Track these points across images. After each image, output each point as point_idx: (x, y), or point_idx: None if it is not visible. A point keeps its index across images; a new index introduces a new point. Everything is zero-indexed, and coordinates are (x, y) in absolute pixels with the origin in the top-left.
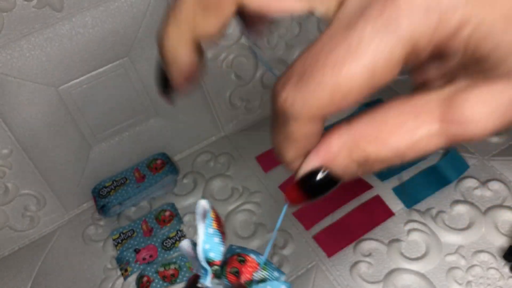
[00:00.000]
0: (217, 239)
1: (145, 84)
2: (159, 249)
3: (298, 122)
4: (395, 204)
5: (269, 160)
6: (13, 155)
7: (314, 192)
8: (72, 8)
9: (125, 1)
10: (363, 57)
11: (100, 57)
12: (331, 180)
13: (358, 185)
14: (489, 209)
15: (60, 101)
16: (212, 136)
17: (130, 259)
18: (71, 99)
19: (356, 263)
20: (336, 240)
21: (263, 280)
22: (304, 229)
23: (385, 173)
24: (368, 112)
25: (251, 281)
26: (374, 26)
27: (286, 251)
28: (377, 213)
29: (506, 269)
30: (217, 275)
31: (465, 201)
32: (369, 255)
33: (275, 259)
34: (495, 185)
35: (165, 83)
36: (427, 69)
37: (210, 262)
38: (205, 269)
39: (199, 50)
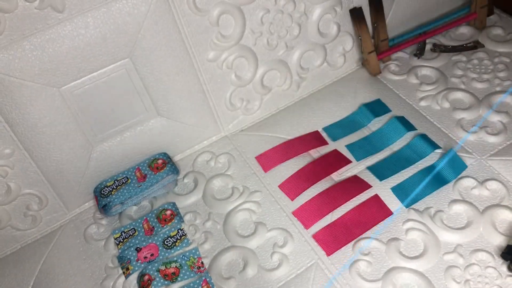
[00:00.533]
0: None
1: (146, 84)
2: (160, 248)
3: None
4: (394, 204)
5: (269, 160)
6: (15, 155)
7: None
8: (74, 9)
9: (126, 2)
10: None
11: (102, 58)
12: None
13: (357, 184)
14: (487, 208)
15: (62, 101)
16: (213, 136)
17: (132, 258)
18: (73, 100)
19: (355, 261)
20: (335, 239)
21: None
22: (304, 228)
23: (384, 173)
24: None
25: None
26: None
27: (285, 250)
28: (376, 212)
29: (504, 268)
30: None
31: (463, 201)
32: (368, 253)
33: (275, 258)
34: (493, 185)
35: None
36: None
37: None
38: None
39: None
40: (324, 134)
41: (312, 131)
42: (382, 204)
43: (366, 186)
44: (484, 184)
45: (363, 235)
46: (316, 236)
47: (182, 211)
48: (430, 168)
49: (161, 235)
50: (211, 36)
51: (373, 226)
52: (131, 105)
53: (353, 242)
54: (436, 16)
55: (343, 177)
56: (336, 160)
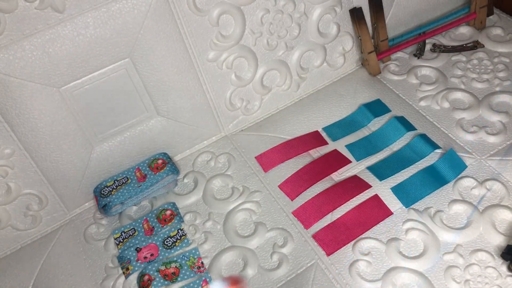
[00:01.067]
0: None
1: (146, 84)
2: (160, 248)
3: None
4: (394, 204)
5: (269, 160)
6: (15, 155)
7: None
8: (74, 10)
9: (126, 2)
10: None
11: (102, 58)
12: None
13: (357, 184)
14: (487, 208)
15: (62, 101)
16: (213, 136)
17: (131, 258)
18: (73, 100)
19: (355, 261)
20: (335, 239)
21: None
22: (304, 228)
23: (384, 173)
24: None
25: None
26: None
27: (285, 250)
28: (375, 212)
29: (504, 268)
30: None
31: (463, 201)
32: (368, 253)
33: (275, 258)
34: (492, 185)
35: None
36: None
37: None
38: None
39: None
40: (324, 134)
41: (312, 131)
42: (382, 204)
43: (366, 186)
44: (484, 184)
45: (363, 235)
46: (316, 236)
47: (182, 211)
48: (430, 168)
49: (161, 235)
50: (211, 36)
51: (373, 226)
52: (131, 105)
53: (353, 242)
54: (436, 16)
55: (343, 177)
56: (336, 160)
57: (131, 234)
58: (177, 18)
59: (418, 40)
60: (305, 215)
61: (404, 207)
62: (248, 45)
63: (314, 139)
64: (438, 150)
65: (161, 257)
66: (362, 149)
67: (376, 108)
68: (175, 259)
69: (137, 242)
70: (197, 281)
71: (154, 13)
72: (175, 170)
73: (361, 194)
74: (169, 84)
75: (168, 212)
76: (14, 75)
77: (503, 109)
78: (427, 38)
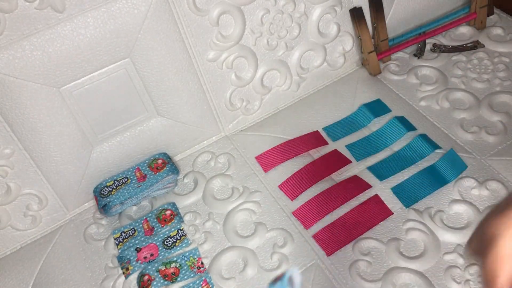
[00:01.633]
0: None
1: (146, 84)
2: (160, 248)
3: None
4: (394, 204)
5: (269, 160)
6: (15, 155)
7: None
8: (74, 9)
9: (126, 2)
10: None
11: (102, 58)
12: None
13: (357, 184)
14: (487, 208)
15: (62, 101)
16: (213, 136)
17: (131, 258)
18: (72, 100)
19: (355, 261)
20: (335, 239)
21: None
22: (304, 228)
23: (384, 173)
24: None
25: None
26: None
27: (285, 250)
28: (376, 212)
29: None
30: None
31: (463, 201)
32: (368, 254)
33: (275, 258)
34: (493, 185)
35: None
36: None
37: None
38: None
39: None
40: (324, 134)
41: (312, 131)
42: (382, 204)
43: (366, 186)
44: (484, 184)
45: (363, 235)
46: (316, 236)
47: (182, 211)
48: (430, 168)
49: (161, 235)
50: (211, 36)
51: (373, 226)
52: (131, 105)
53: (353, 242)
54: (436, 16)
55: (343, 177)
56: (336, 160)
57: (131, 234)
58: (177, 18)
59: (418, 40)
60: (305, 215)
61: (404, 207)
62: (248, 45)
63: (314, 139)
64: (438, 150)
65: (161, 257)
66: (362, 149)
67: (376, 108)
68: (175, 259)
69: (137, 242)
70: (197, 281)
71: (154, 13)
72: (175, 170)
73: (361, 194)
74: (169, 84)
75: (168, 212)
76: (14, 75)
77: (503, 109)
78: (427, 38)
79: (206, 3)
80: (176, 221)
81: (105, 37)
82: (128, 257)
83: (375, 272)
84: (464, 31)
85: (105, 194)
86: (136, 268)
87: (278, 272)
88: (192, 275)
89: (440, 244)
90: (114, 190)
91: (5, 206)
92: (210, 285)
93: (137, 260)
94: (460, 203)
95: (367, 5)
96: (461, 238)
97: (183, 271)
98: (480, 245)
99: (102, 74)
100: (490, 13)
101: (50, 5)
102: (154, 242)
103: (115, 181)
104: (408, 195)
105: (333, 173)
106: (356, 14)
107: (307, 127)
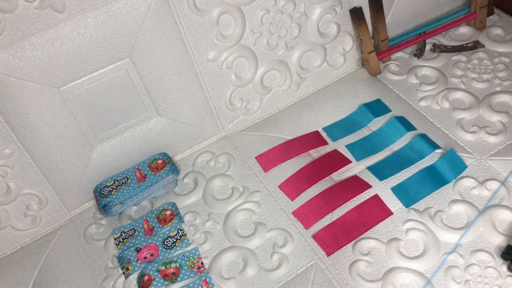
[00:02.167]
0: None
1: (146, 84)
2: (160, 248)
3: None
4: (394, 204)
5: (269, 160)
6: (15, 155)
7: None
8: (74, 10)
9: (126, 2)
10: None
11: (102, 58)
12: None
13: (357, 184)
14: (487, 208)
15: (62, 101)
16: (213, 136)
17: (131, 258)
18: (73, 100)
19: (355, 262)
20: (335, 239)
21: None
22: (304, 228)
23: (384, 173)
24: None
25: None
26: None
27: (285, 250)
28: (375, 213)
29: (504, 268)
30: None
31: (463, 201)
32: (368, 254)
33: (275, 258)
34: (493, 185)
35: None
36: None
37: None
38: None
39: None
40: (324, 134)
41: (312, 131)
42: (382, 204)
43: (366, 186)
44: (484, 184)
45: (363, 235)
46: (316, 236)
47: (182, 211)
48: (430, 168)
49: (161, 235)
50: (211, 36)
51: (373, 226)
52: (131, 105)
53: (353, 242)
54: (436, 16)
55: (343, 177)
56: (336, 160)
57: (131, 234)
58: (177, 18)
59: (418, 40)
60: (305, 215)
61: (404, 207)
62: (248, 45)
63: (314, 139)
64: (438, 150)
65: (161, 257)
66: (362, 149)
67: (376, 108)
68: (175, 259)
69: (137, 242)
70: (197, 281)
71: (154, 13)
72: (175, 170)
73: (361, 194)
74: (169, 84)
75: (168, 212)
76: (14, 75)
77: (503, 109)
78: (427, 38)
79: (206, 3)
80: (176, 221)
81: (105, 37)
82: (128, 257)
83: (375, 272)
84: (464, 31)
85: (105, 194)
86: (136, 268)
87: (278, 272)
88: (192, 275)
89: (440, 244)
90: (114, 190)
91: (5, 206)
92: (210, 285)
93: (137, 260)
94: (460, 203)
95: (367, 5)
96: (461, 238)
97: (183, 271)
98: None
99: (102, 74)
100: (490, 13)
101: (50, 5)
102: (154, 242)
103: (115, 181)
104: (408, 195)
105: (333, 173)
106: (356, 14)
107: (307, 127)
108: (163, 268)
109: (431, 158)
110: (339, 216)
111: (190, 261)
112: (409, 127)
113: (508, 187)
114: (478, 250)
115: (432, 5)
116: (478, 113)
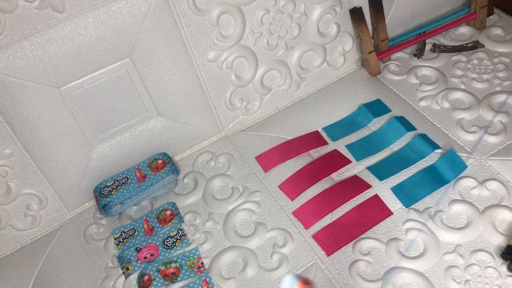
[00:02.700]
0: None
1: (146, 84)
2: (160, 248)
3: None
4: (394, 204)
5: (269, 160)
6: (15, 155)
7: None
8: (74, 10)
9: (126, 2)
10: None
11: (102, 58)
12: None
13: (357, 184)
14: (487, 208)
15: (62, 101)
16: (213, 136)
17: (131, 258)
18: (73, 100)
19: (355, 261)
20: (335, 239)
21: None
22: (304, 228)
23: (384, 173)
24: None
25: None
26: None
27: (285, 250)
28: (375, 212)
29: (504, 268)
30: None
31: (463, 201)
32: (368, 254)
33: (275, 258)
34: (492, 185)
35: None
36: None
37: None
38: None
39: None
40: (324, 134)
41: (312, 131)
42: (382, 204)
43: (366, 186)
44: (484, 184)
45: (363, 235)
46: (316, 236)
47: (182, 211)
48: (430, 168)
49: (161, 235)
50: (211, 36)
51: (373, 226)
52: (131, 105)
53: (353, 242)
54: (436, 16)
55: (343, 177)
56: (336, 160)
57: (131, 234)
58: (177, 18)
59: (418, 40)
60: (305, 215)
61: (404, 207)
62: (248, 45)
63: (314, 139)
64: (438, 150)
65: (161, 257)
66: (362, 149)
67: (376, 108)
68: (175, 259)
69: (137, 242)
70: (197, 281)
71: (154, 13)
72: (175, 170)
73: (361, 194)
74: (169, 84)
75: (168, 212)
76: (14, 75)
77: (503, 109)
78: (427, 38)
79: (206, 3)
80: (176, 221)
81: (105, 37)
82: (128, 257)
83: (375, 272)
84: (464, 31)
85: (105, 194)
86: (136, 268)
87: (278, 272)
88: (192, 275)
89: (440, 244)
90: (114, 190)
91: (5, 206)
92: (210, 285)
93: (137, 260)
94: (460, 203)
95: (367, 5)
96: (461, 238)
97: (183, 271)
98: None
99: (102, 74)
100: (490, 13)
101: (50, 5)
102: (154, 242)
103: (115, 181)
104: (408, 195)
105: (333, 173)
106: (356, 14)
107: (307, 127)
108: (163, 268)
109: (431, 158)
110: (339, 216)
111: (190, 261)
112: (409, 127)
113: (508, 187)
114: (478, 250)
115: (432, 5)
116: (478, 113)
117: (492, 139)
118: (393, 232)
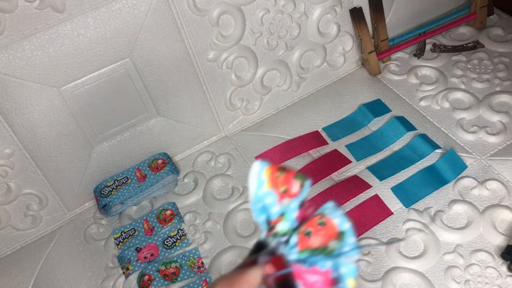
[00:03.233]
0: (269, 199)
1: (146, 84)
2: (160, 248)
3: None
4: (394, 204)
5: (269, 159)
6: (15, 155)
7: None
8: (74, 9)
9: (126, 2)
10: None
11: (102, 57)
12: None
13: (357, 184)
14: (487, 208)
15: (62, 101)
16: (213, 136)
17: (131, 258)
18: (73, 100)
19: (355, 262)
20: None
21: (332, 251)
22: None
23: (384, 173)
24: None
25: (319, 248)
26: None
27: None
28: (375, 213)
29: (504, 268)
30: (284, 233)
31: (463, 201)
32: (368, 253)
33: None
34: (492, 185)
35: None
36: None
37: (270, 221)
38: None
39: None
40: (324, 134)
41: (312, 131)
42: (382, 204)
43: (366, 186)
44: (484, 184)
45: (363, 235)
46: None
47: (182, 211)
48: (430, 168)
49: (161, 235)
50: (211, 36)
51: (373, 226)
52: (131, 105)
53: None
54: (436, 16)
55: (343, 177)
56: (336, 160)
57: (131, 234)
58: (177, 18)
59: (418, 40)
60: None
61: (404, 207)
62: (248, 45)
63: (314, 139)
64: (438, 150)
65: (161, 257)
66: (362, 149)
67: (376, 108)
68: (175, 259)
69: (137, 242)
70: (197, 281)
71: (154, 13)
72: (175, 170)
73: (361, 194)
74: (169, 84)
75: (168, 212)
76: (14, 75)
77: (503, 109)
78: (427, 38)
79: (206, 3)
80: (176, 221)
81: (105, 37)
82: (128, 257)
83: (375, 272)
84: (464, 31)
85: (105, 194)
86: (136, 268)
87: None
88: (192, 275)
89: (440, 244)
90: (114, 190)
91: (5, 206)
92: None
93: (137, 260)
94: (460, 203)
95: (367, 5)
96: (461, 238)
97: (183, 271)
98: None
99: (102, 74)
100: (490, 13)
101: (50, 5)
102: (154, 242)
103: (115, 181)
104: (408, 195)
105: (333, 173)
106: (356, 14)
107: (307, 127)
108: (163, 268)
109: (431, 158)
110: None
111: (190, 261)
112: (409, 127)
113: (508, 187)
114: (478, 250)
115: (432, 5)
116: (478, 113)
117: (492, 139)
118: (393, 232)
